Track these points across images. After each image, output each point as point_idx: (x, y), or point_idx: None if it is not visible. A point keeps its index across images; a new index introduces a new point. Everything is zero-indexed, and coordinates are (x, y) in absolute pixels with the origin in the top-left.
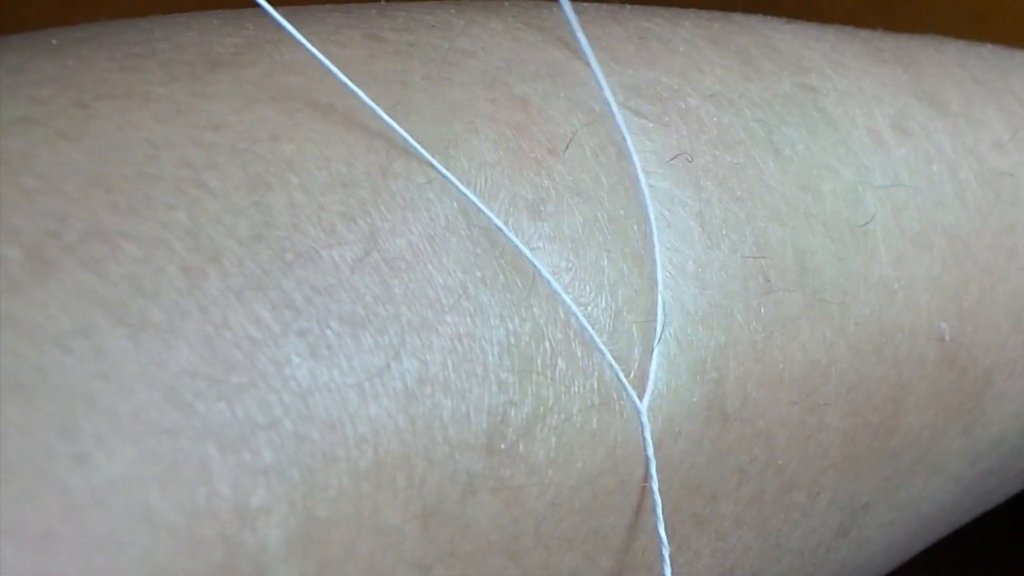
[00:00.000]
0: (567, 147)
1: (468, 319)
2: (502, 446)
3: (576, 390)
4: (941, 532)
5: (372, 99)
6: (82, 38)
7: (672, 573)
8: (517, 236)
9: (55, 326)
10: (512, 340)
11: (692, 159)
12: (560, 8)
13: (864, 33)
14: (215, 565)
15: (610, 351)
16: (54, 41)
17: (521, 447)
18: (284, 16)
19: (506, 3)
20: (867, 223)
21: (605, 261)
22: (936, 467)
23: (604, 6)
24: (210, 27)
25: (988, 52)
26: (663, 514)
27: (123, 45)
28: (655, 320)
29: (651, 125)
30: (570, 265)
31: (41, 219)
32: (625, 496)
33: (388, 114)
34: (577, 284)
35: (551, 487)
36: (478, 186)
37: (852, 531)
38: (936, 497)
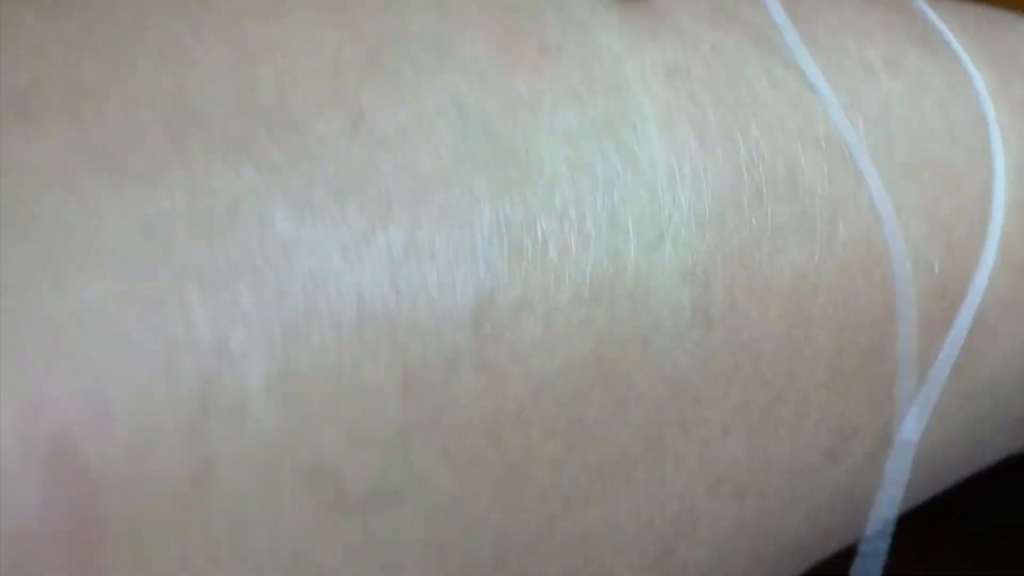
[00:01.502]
0: (560, 51)
1: (456, 197)
2: (487, 327)
3: (567, 280)
4: (936, 479)
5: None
6: None
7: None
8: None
9: (34, 165)
10: (502, 224)
11: (688, 71)
12: None
13: None
14: (195, 398)
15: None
16: None
17: (507, 331)
18: None
19: None
20: (857, 147)
21: (599, 159)
22: (928, 406)
23: None
24: None
25: (981, 9)
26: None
27: None
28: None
29: (644, 39)
30: (567, 159)
31: (24, 76)
32: (607, 389)
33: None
34: (574, 177)
35: (535, 374)
36: (471, 79)
37: (841, 458)
38: (927, 436)
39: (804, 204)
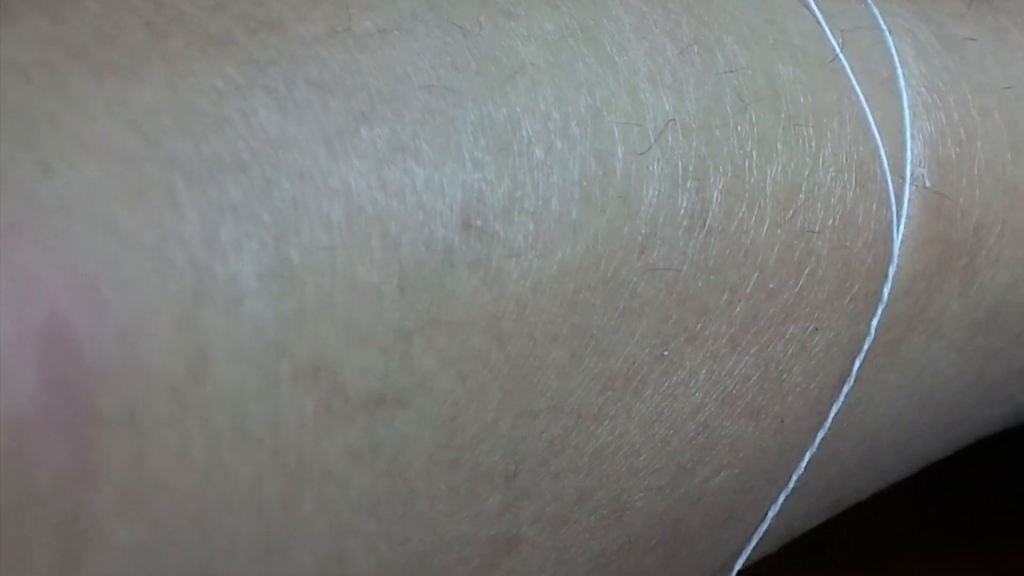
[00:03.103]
0: None
1: (439, 98)
2: (478, 223)
3: (555, 180)
4: (951, 425)
5: None
6: None
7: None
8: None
9: (15, 58)
10: (487, 123)
11: None
12: None
13: None
14: (187, 289)
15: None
16: None
17: (498, 227)
18: None
19: None
20: (833, 60)
21: (580, 64)
22: (935, 330)
23: None
24: None
25: None
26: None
27: None
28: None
29: None
30: (547, 64)
31: None
32: (609, 295)
33: None
34: (555, 81)
35: (531, 272)
36: None
37: (855, 384)
38: (939, 367)
39: (788, 113)
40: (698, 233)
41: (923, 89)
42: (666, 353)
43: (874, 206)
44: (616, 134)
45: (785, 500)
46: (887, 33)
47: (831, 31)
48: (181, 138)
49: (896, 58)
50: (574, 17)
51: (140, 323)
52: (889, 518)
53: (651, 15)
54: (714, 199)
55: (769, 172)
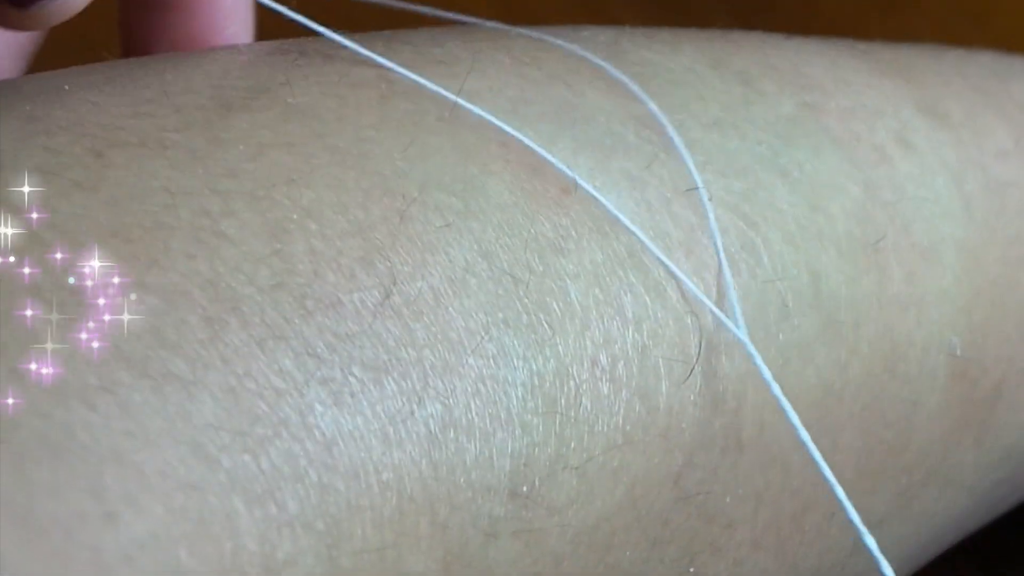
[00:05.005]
0: (577, 186)
1: (491, 361)
2: (524, 489)
3: (600, 429)
4: (953, 540)
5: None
6: (94, 82)
7: None
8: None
9: (80, 383)
10: (536, 381)
11: (707, 187)
12: (562, 44)
13: (863, 46)
14: None
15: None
16: (66, 86)
17: (543, 490)
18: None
19: (511, 34)
20: (878, 241)
21: (628, 296)
22: (949, 480)
23: (603, 36)
24: (221, 69)
25: (987, 59)
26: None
27: (135, 88)
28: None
29: (663, 156)
30: (595, 301)
31: None
32: (643, 530)
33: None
34: (604, 320)
35: (571, 527)
36: (498, 225)
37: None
38: (949, 509)
39: (829, 311)
40: (731, 452)
41: (965, 253)
42: (692, 570)
43: (901, 387)
44: (661, 369)
45: None
46: (928, 202)
47: (874, 206)
48: (241, 455)
49: (932, 224)
50: (622, 242)
51: None
52: None
53: (700, 224)
54: (749, 416)
55: (805, 377)
